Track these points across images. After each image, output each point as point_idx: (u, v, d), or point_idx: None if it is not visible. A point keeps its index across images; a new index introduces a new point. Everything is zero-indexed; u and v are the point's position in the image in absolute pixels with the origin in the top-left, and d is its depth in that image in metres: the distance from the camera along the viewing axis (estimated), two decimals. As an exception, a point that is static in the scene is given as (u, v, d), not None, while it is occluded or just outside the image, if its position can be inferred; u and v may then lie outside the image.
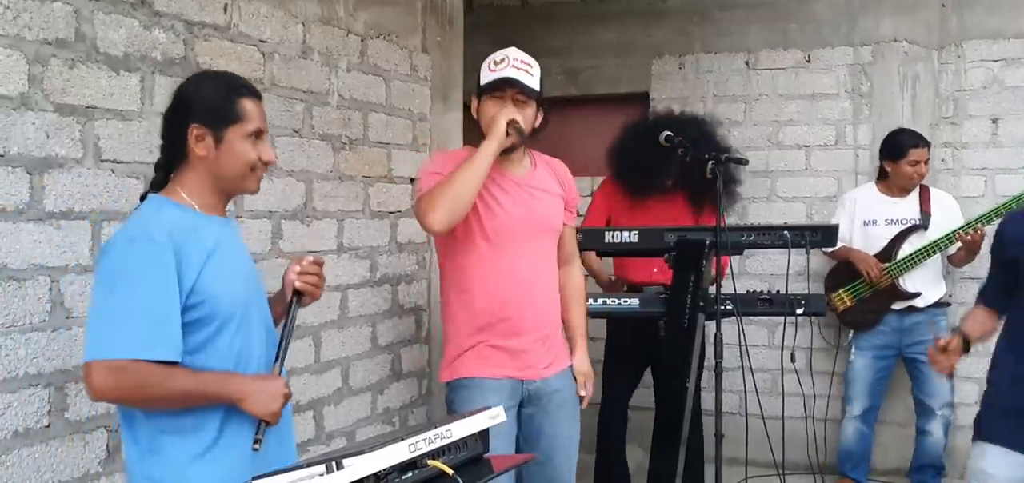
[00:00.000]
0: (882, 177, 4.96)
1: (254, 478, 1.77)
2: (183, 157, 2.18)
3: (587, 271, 4.45)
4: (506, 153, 2.95)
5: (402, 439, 1.78)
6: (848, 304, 4.90)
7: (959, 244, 4.69)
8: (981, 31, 5.21)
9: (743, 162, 3.96)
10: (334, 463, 1.66)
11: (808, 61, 5.50)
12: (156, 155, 2.26)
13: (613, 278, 4.70)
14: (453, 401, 3.06)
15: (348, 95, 3.72)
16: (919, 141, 4.83)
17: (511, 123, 2.87)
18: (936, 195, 4.89)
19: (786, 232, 3.85)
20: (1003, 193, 5.05)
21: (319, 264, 2.38)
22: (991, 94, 5.21)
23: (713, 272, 3.77)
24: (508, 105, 2.92)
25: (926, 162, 4.82)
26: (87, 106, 2.58)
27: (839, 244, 4.86)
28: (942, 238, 4.70)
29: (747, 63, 5.61)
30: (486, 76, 2.98)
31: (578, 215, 3.34)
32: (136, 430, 2.12)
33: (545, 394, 3.08)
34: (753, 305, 3.88)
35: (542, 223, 3.07)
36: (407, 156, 4.09)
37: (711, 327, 3.75)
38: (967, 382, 5.26)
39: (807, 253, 3.97)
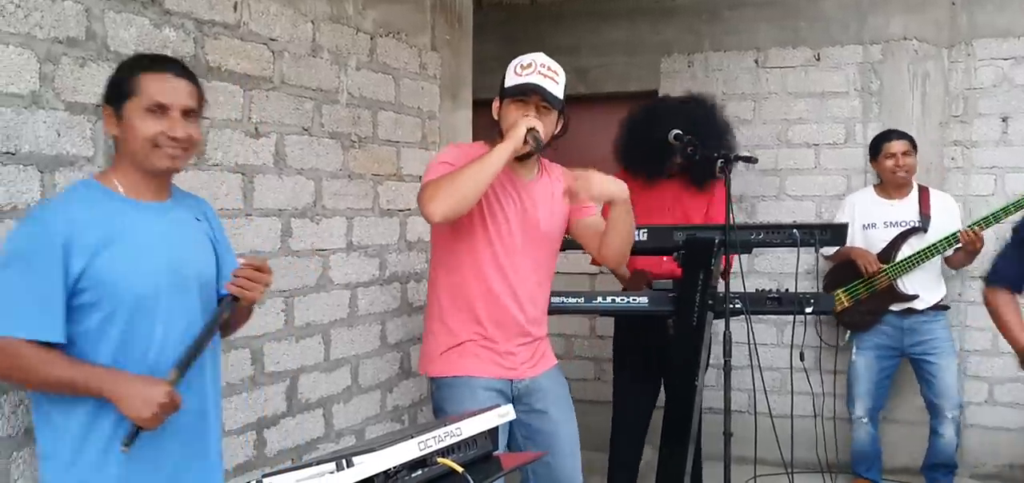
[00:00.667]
0: (879, 180, 4.96)
1: (265, 475, 1.78)
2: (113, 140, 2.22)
3: (611, 271, 4.46)
4: (519, 159, 2.94)
5: (412, 437, 1.79)
6: (845, 304, 4.86)
7: (958, 245, 4.66)
8: (991, 29, 5.20)
9: (752, 161, 3.94)
10: (344, 460, 1.67)
11: (817, 59, 5.49)
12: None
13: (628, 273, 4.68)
14: (443, 399, 3.04)
15: (357, 93, 3.73)
16: (891, 135, 4.84)
17: (531, 131, 2.84)
18: (936, 197, 4.87)
19: (795, 231, 3.84)
20: (1013, 192, 5.03)
21: (257, 266, 2.30)
22: (1001, 93, 5.20)
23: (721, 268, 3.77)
24: (531, 112, 2.89)
25: (905, 153, 4.78)
26: (98, 105, 2.58)
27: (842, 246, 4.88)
28: (941, 241, 4.67)
29: (756, 61, 5.60)
30: (511, 79, 2.94)
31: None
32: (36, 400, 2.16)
33: (534, 391, 3.07)
34: (762, 304, 3.88)
35: (544, 231, 3.06)
36: (416, 154, 4.10)
37: (720, 325, 3.75)
38: (976, 381, 5.26)
39: (816, 252, 3.97)
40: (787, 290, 3.91)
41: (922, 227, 4.77)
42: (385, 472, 1.71)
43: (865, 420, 4.94)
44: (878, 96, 5.38)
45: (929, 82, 5.29)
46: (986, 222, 4.57)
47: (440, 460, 1.84)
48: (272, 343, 3.30)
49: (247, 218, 3.17)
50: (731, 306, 3.72)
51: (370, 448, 1.71)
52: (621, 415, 4.52)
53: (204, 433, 2.32)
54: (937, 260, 4.79)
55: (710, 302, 3.69)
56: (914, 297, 4.76)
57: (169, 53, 2.81)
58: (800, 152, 5.55)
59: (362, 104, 3.76)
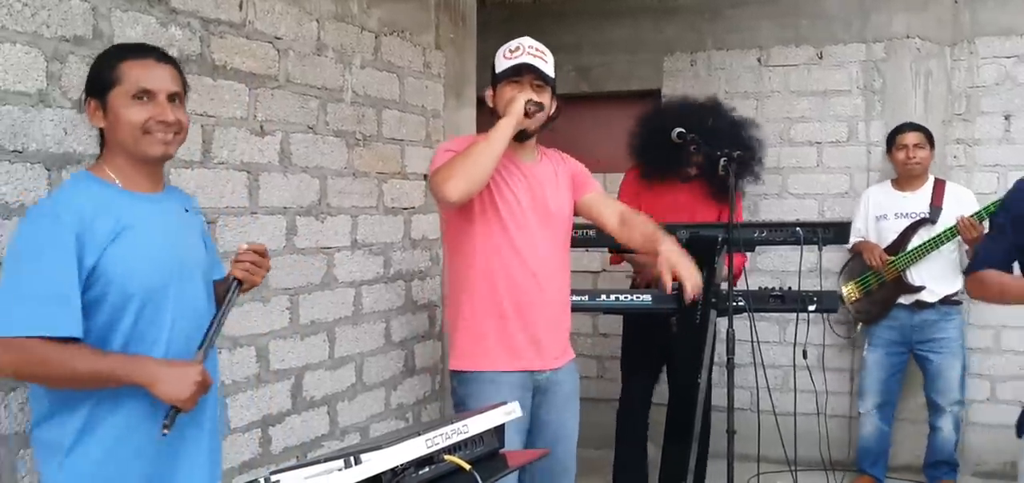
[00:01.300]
0: (896, 174, 4.97)
1: (272, 472, 1.78)
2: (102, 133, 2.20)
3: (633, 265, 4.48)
4: (519, 140, 2.96)
5: (419, 434, 1.79)
6: (857, 296, 4.93)
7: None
8: (993, 27, 5.20)
9: (756, 160, 3.94)
10: (352, 458, 1.67)
11: (820, 58, 5.49)
12: (171, 151, 2.28)
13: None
14: (467, 395, 3.03)
15: (362, 92, 3.73)
16: (904, 128, 4.87)
17: (529, 102, 2.89)
18: (951, 189, 4.86)
19: (798, 229, 3.85)
20: (1016, 190, 5.02)
21: (258, 251, 2.33)
22: (1003, 91, 5.20)
23: (725, 270, 3.77)
24: (527, 89, 2.94)
25: (917, 145, 4.80)
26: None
27: (858, 239, 4.88)
28: (944, 232, 4.68)
29: (759, 60, 5.60)
30: (502, 64, 2.99)
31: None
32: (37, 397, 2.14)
33: (553, 385, 3.09)
34: (765, 301, 3.89)
35: (553, 212, 3.08)
36: (421, 152, 4.11)
37: (723, 323, 3.76)
38: (978, 379, 5.27)
39: (819, 250, 3.97)
40: (790, 288, 3.92)
41: (931, 219, 4.77)
42: (392, 469, 1.71)
43: (873, 414, 4.95)
44: (880, 94, 5.38)
45: (932, 80, 5.29)
46: (986, 212, 4.58)
47: (447, 457, 1.85)
48: (277, 341, 3.31)
49: (252, 216, 3.18)
50: (734, 304, 3.73)
51: (377, 446, 1.70)
52: (628, 413, 4.54)
53: (211, 407, 2.34)
54: (953, 253, 4.78)
55: (713, 300, 3.70)
56: (921, 288, 4.76)
57: (175, 52, 2.81)
58: (802, 150, 5.55)
59: (367, 102, 3.76)
